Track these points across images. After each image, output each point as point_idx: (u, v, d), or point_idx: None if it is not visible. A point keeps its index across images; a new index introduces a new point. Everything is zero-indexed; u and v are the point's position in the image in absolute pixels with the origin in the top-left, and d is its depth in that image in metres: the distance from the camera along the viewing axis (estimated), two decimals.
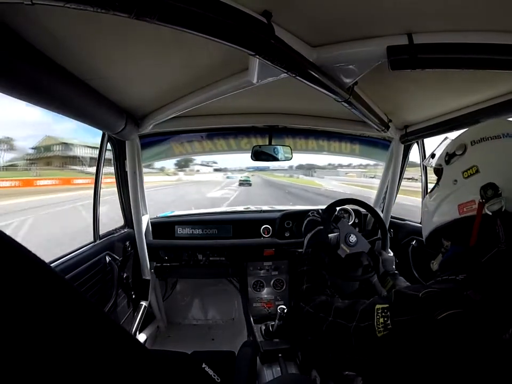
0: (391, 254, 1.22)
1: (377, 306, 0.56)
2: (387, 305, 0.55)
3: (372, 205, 1.53)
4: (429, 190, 0.79)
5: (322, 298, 0.72)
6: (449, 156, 0.63)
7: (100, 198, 1.35)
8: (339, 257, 1.18)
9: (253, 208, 2.15)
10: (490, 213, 0.53)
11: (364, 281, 1.36)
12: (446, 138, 0.75)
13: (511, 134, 0.57)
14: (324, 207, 1.50)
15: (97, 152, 1.34)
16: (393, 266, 1.15)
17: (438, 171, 0.67)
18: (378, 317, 0.54)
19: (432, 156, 0.72)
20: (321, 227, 1.07)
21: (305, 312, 0.71)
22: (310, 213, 1.18)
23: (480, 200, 0.54)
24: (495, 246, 0.52)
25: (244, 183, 21.70)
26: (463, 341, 0.46)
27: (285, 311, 1.33)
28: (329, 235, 1.28)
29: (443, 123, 1.25)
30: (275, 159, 1.62)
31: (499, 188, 0.53)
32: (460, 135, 0.66)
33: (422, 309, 0.50)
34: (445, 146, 0.68)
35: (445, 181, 0.64)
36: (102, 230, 1.40)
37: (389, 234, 1.29)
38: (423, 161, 1.63)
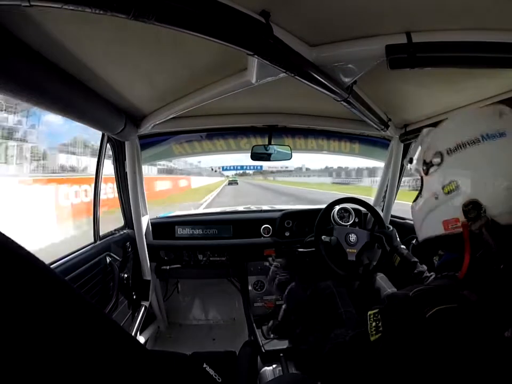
0: (391, 228, 1.22)
1: (370, 312, 0.55)
2: (378, 309, 0.54)
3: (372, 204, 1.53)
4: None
5: (315, 338, 0.70)
6: (426, 166, 0.60)
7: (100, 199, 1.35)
8: (351, 262, 1.19)
9: (253, 207, 2.15)
10: (476, 230, 0.50)
11: (365, 281, 1.36)
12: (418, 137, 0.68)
13: (490, 133, 0.51)
14: (322, 206, 1.50)
15: None
16: (398, 240, 1.15)
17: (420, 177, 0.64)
18: (370, 321, 0.53)
19: (410, 161, 0.66)
20: (293, 284, 1.02)
21: (305, 352, 0.71)
22: (271, 273, 1.17)
23: (464, 221, 0.52)
24: (484, 247, 0.50)
25: (232, 182, 29.47)
26: (458, 339, 0.45)
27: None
28: (330, 237, 1.29)
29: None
30: (274, 158, 1.62)
31: (482, 206, 0.50)
32: (433, 137, 0.61)
33: (411, 307, 0.49)
34: (419, 148, 0.64)
35: (427, 193, 0.61)
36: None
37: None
38: None
